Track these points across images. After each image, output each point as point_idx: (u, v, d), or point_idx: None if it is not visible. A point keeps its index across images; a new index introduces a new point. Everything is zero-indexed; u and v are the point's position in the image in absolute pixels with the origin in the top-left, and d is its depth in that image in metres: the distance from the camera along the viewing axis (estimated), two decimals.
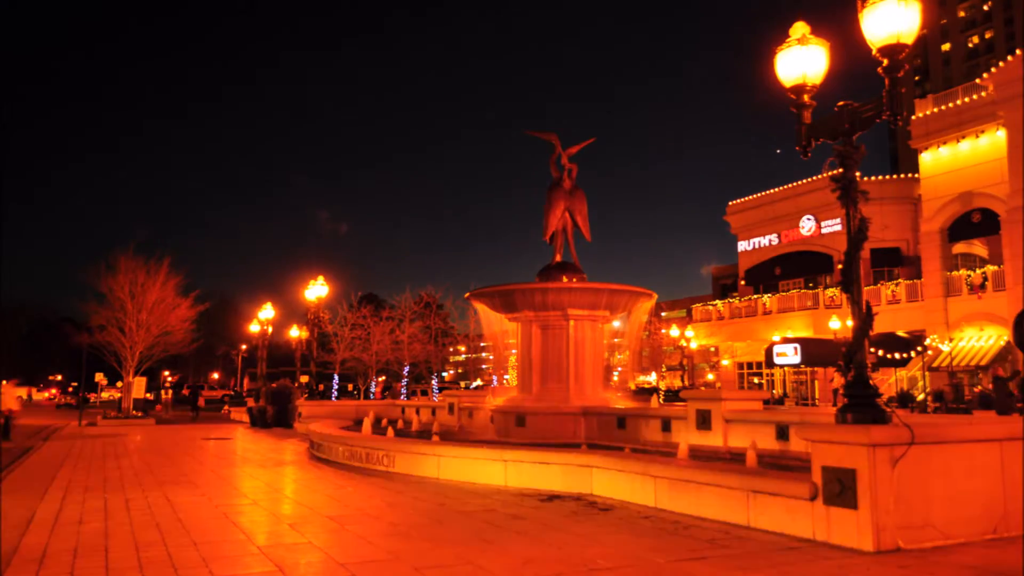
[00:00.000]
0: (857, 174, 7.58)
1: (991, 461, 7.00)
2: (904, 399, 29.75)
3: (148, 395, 43.05)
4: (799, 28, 8.11)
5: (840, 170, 7.54)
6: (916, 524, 6.48)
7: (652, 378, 73.87)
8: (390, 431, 15.92)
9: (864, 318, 7.31)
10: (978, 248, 40.98)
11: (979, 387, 33.59)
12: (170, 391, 54.68)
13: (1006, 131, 35.26)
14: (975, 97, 38.00)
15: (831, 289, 43.55)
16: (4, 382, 24.78)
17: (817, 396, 43.13)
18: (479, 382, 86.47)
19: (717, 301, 54.11)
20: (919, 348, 36.56)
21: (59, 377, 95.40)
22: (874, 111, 7.34)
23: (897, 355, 37.13)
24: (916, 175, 42.44)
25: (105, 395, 54.33)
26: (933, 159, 39.88)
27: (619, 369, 50.75)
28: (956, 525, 6.64)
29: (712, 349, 54.48)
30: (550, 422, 15.44)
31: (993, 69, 36.12)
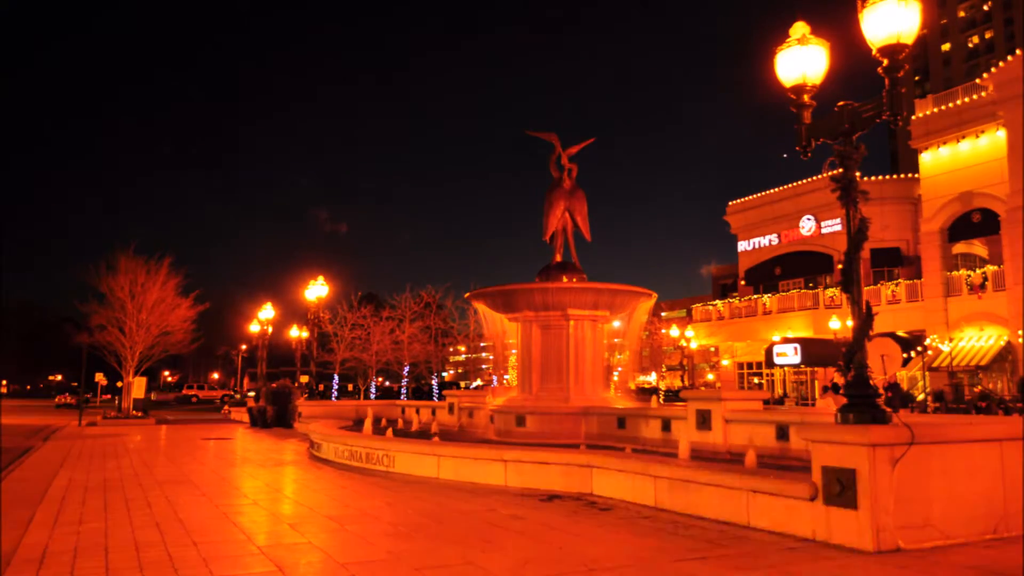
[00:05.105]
0: (857, 174, 7.58)
1: (991, 461, 7.00)
2: (904, 399, 29.76)
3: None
4: (799, 28, 8.11)
5: (840, 170, 7.54)
6: (916, 524, 6.48)
7: (652, 378, 73.96)
8: (389, 431, 15.93)
9: (864, 318, 7.31)
10: (978, 248, 41.00)
11: (979, 387, 33.63)
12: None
13: (1006, 131, 35.28)
14: (975, 97, 38.02)
15: (831, 289, 43.57)
16: None
17: (817, 396, 43.15)
18: (479, 382, 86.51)
19: (717, 301, 54.11)
20: (919, 348, 36.59)
21: (59, 377, 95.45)
22: (874, 111, 7.34)
23: None
24: (916, 175, 42.47)
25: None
26: (933, 159, 39.90)
27: (619, 369, 50.78)
28: (956, 525, 6.65)
29: (712, 349, 54.49)
30: (550, 422, 15.45)
31: (993, 69, 36.14)
